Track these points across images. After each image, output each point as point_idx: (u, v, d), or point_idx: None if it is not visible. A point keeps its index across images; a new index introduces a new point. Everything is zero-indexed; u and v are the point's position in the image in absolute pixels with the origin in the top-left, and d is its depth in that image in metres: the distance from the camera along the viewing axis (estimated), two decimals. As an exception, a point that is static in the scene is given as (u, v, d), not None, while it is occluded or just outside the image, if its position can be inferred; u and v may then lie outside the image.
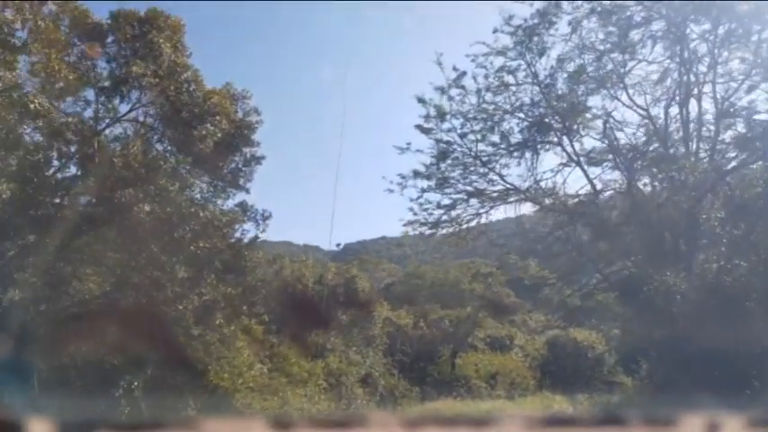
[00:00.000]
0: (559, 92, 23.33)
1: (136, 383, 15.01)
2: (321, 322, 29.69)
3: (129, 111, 15.93)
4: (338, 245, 69.74)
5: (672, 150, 23.50)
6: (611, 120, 23.31)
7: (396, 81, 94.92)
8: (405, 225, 25.05)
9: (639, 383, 28.01)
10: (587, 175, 23.97)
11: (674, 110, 23.75)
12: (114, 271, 15.36)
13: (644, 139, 24.15)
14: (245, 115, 17.31)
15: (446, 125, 23.94)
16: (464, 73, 23.14)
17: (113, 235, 14.70)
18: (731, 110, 22.30)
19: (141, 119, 16.19)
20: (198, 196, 17.15)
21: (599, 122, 23.95)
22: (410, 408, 29.60)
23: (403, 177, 24.27)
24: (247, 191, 17.98)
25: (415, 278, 45.21)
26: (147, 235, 14.51)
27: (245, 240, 17.98)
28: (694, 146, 23.29)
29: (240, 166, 17.49)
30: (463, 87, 23.28)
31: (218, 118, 16.02)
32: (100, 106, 15.78)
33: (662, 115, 23.80)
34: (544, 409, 29.51)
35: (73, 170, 16.40)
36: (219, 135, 16.15)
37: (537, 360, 37.56)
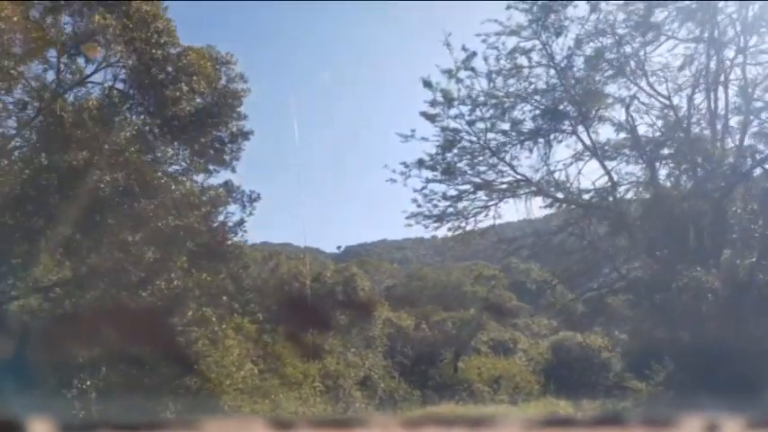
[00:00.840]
0: (576, 75, 20.62)
1: (89, 383, 12.17)
2: (318, 322, 26.92)
3: (95, 71, 13.27)
4: (339, 247, 67.22)
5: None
6: (636, 102, 20.55)
7: (403, 80, 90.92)
8: (408, 218, 22.27)
9: (654, 389, 25.24)
10: (604, 167, 21.20)
11: (698, 98, 21.10)
12: (76, 253, 12.59)
13: (665, 129, 21.44)
14: (230, 81, 14.56)
15: (453, 111, 21.24)
16: (474, 53, 20.46)
17: (65, 207, 11.93)
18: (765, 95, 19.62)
19: (110, 82, 13.48)
20: (174, 169, 14.32)
21: (618, 110, 21.27)
22: (410, 412, 26.85)
23: (406, 166, 21.57)
24: (233, 169, 15.26)
25: (417, 280, 42.50)
26: (104, 206, 11.75)
27: (230, 224, 15.25)
28: (720, 135, 20.59)
29: (225, 140, 14.76)
30: (473, 70, 20.60)
31: (195, 78, 13.28)
32: (62, 67, 13.11)
33: (685, 104, 21.11)
34: (548, 414, 26.79)
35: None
36: (198, 100, 13.48)
37: (541, 364, 34.74)
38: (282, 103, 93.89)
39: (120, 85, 13.55)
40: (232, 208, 15.32)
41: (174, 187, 12.94)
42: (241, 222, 15.38)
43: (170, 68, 13.08)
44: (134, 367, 15.34)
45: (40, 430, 1.95)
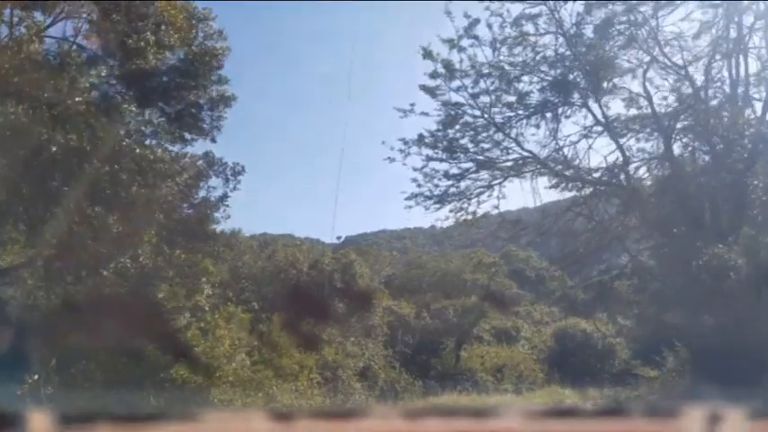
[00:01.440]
0: (586, 43, 18.77)
1: (37, 376, 10.36)
2: (316, 311, 25.12)
3: (52, 24, 11.44)
4: (339, 237, 65.29)
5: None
6: (650, 72, 18.72)
7: (406, 66, 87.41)
8: (407, 198, 20.51)
9: (666, 376, 23.50)
10: (617, 141, 19.39)
11: (715, 69, 19.30)
12: (33, 227, 10.71)
13: (680, 101, 19.61)
14: (207, 38, 12.72)
15: (455, 83, 19.41)
16: (477, 20, 18.64)
17: (14, 172, 10.06)
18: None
19: (71, 37, 11.66)
20: (141, 132, 12.41)
21: (629, 82, 19.45)
22: (412, 402, 25.13)
23: (405, 143, 19.78)
24: (213, 139, 13.44)
25: (416, 268, 40.66)
26: (52, 168, 9.88)
27: (212, 199, 13.41)
28: (740, 105, 18.78)
29: (203, 106, 12.94)
30: (476, 38, 18.76)
31: (163, 29, 11.46)
32: (16, 20, 11.29)
33: (701, 75, 19.29)
34: (553, 404, 25.08)
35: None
36: (168, 56, 11.66)
37: (544, 352, 33.02)
38: (272, 84, 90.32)
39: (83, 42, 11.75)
40: (214, 182, 13.56)
41: (138, 151, 11.08)
42: (224, 197, 13.54)
43: (132, 15, 11.24)
44: (110, 357, 13.60)
45: (38, 422, 1.61)
